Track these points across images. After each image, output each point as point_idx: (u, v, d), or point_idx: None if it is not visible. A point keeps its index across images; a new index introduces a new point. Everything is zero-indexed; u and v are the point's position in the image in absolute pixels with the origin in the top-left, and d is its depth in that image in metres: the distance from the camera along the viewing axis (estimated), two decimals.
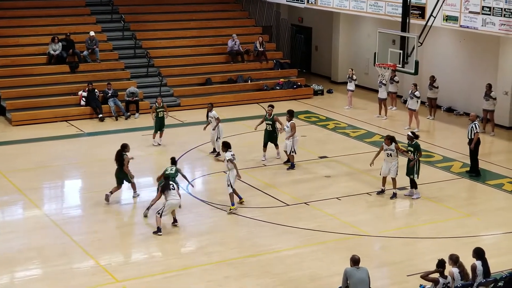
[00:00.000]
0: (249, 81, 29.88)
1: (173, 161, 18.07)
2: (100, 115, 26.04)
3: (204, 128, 22.42)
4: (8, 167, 20.86)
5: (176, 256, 15.53)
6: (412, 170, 18.53)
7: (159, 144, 23.05)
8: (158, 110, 23.11)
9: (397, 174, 18.72)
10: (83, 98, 26.46)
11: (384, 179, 18.90)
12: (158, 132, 23.16)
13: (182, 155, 22.01)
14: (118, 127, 25.29)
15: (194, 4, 33.07)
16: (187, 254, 15.61)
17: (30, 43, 28.38)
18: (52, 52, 27.66)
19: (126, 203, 18.89)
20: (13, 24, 29.05)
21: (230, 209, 17.62)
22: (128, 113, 26.46)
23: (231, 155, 17.73)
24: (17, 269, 14.81)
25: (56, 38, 27.77)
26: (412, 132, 18.99)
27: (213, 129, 21.84)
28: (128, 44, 29.80)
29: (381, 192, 18.94)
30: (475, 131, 20.25)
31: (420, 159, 18.62)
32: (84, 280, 14.22)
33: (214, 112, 21.97)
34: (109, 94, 26.53)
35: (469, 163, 20.75)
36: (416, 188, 18.71)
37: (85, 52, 28.20)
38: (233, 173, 17.67)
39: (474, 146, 20.33)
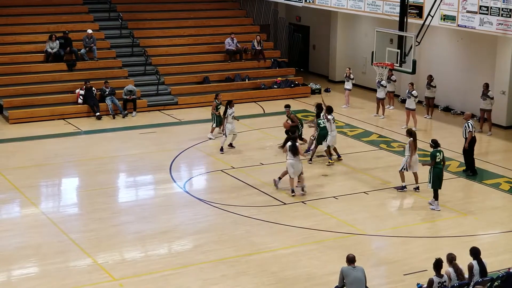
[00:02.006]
0: (247, 80, 29.88)
1: (319, 109, 21.42)
2: (97, 113, 26.02)
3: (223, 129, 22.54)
4: (5, 165, 20.85)
5: (173, 254, 15.54)
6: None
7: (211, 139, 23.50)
8: (218, 107, 23.42)
9: (403, 168, 18.84)
10: (81, 96, 26.43)
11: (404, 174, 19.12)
12: (217, 127, 23.59)
13: (179, 154, 22.02)
14: (115, 126, 25.27)
15: (192, 3, 33.05)
16: (184, 252, 15.61)
17: (28, 41, 28.34)
18: (49, 50, 27.63)
19: (123, 201, 18.91)
20: (11, 22, 28.99)
21: (329, 162, 21.01)
22: (126, 111, 26.44)
23: (331, 118, 21.02)
24: (14, 267, 14.80)
25: (53, 36, 27.73)
26: (433, 140, 18.20)
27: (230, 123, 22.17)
28: (126, 42, 29.76)
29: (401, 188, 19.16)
30: (468, 130, 20.32)
31: (436, 168, 17.79)
32: (81, 278, 14.21)
33: (233, 109, 22.34)
34: (107, 92, 26.51)
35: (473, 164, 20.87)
36: (434, 198, 18.09)
37: (83, 50, 28.17)
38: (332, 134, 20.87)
39: (469, 145, 20.37)
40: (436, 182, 17.90)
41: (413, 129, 24.12)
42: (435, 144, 18.04)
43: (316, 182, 19.79)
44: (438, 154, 17.83)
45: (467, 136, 20.32)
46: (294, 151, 18.41)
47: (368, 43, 29.58)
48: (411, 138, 18.68)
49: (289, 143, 18.65)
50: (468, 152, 20.56)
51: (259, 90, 29.57)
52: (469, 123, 20.36)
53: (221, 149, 22.15)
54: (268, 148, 22.84)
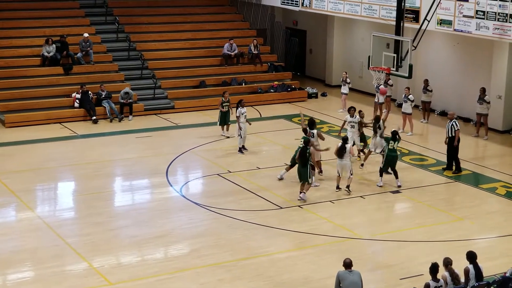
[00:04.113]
0: (243, 84, 29.88)
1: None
2: (94, 117, 25.99)
3: (241, 129, 22.42)
4: (1, 169, 20.80)
5: (169, 258, 15.51)
6: None
7: (228, 137, 23.66)
8: (223, 104, 23.54)
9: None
10: (77, 100, 26.40)
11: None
12: (225, 125, 23.85)
13: (175, 158, 22.00)
14: (111, 129, 25.26)
15: (189, 7, 33.06)
16: (180, 256, 15.58)
17: (24, 45, 28.31)
18: (46, 54, 27.59)
19: (120, 205, 18.88)
20: (7, 25, 28.97)
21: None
22: (122, 115, 26.41)
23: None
24: (10, 271, 14.76)
25: (50, 40, 27.70)
26: (393, 131, 19.80)
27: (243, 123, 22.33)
28: (122, 46, 29.75)
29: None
30: (456, 129, 20.61)
31: (388, 154, 19.55)
32: (77, 282, 14.18)
33: (245, 109, 22.49)
34: (103, 96, 26.50)
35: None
36: (380, 176, 19.79)
37: (79, 54, 28.15)
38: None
39: (453, 143, 20.67)
40: (386, 166, 19.66)
41: (410, 134, 24.23)
42: (393, 135, 19.59)
43: (313, 186, 19.77)
44: (391, 141, 19.46)
45: (454, 135, 20.59)
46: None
47: (364, 47, 29.62)
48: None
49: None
50: (455, 150, 20.78)
51: (255, 94, 29.56)
52: (455, 122, 20.66)
53: (239, 150, 22.36)
54: (264, 153, 22.84)
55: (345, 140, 19.22)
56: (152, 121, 26.40)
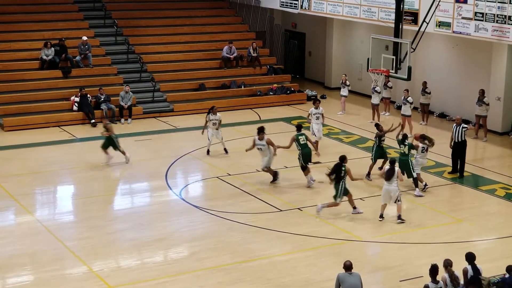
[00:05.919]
0: (243, 87, 29.88)
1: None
2: (93, 121, 25.98)
3: (202, 132, 22.54)
4: (0, 173, 20.79)
5: (169, 261, 15.50)
6: None
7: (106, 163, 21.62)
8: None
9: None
10: (76, 104, 26.40)
11: None
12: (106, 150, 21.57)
13: (175, 161, 21.99)
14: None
15: (188, 10, 33.08)
16: (179, 260, 15.58)
17: (23, 48, 28.29)
18: (44, 57, 27.58)
19: (119, 209, 18.87)
20: (5, 29, 28.95)
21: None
22: (121, 118, 26.39)
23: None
24: (9, 275, 14.74)
25: (48, 43, 27.69)
26: (404, 135, 19.73)
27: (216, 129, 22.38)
28: (121, 49, 29.74)
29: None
30: (468, 127, 21.03)
31: (400, 158, 19.41)
32: (77, 286, 14.18)
33: (217, 116, 22.34)
34: (102, 99, 26.49)
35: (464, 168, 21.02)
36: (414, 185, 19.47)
37: (78, 57, 28.13)
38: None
39: (464, 148, 20.75)
40: (402, 171, 18.76)
41: (410, 136, 24.17)
42: (403, 138, 19.43)
43: (312, 189, 19.77)
44: (401, 146, 19.39)
45: (464, 139, 20.65)
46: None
47: (364, 49, 29.65)
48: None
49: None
50: (464, 154, 20.81)
51: (255, 97, 29.57)
52: (463, 125, 20.78)
53: (207, 152, 22.53)
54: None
55: (392, 162, 17.56)
56: (151, 124, 26.39)
